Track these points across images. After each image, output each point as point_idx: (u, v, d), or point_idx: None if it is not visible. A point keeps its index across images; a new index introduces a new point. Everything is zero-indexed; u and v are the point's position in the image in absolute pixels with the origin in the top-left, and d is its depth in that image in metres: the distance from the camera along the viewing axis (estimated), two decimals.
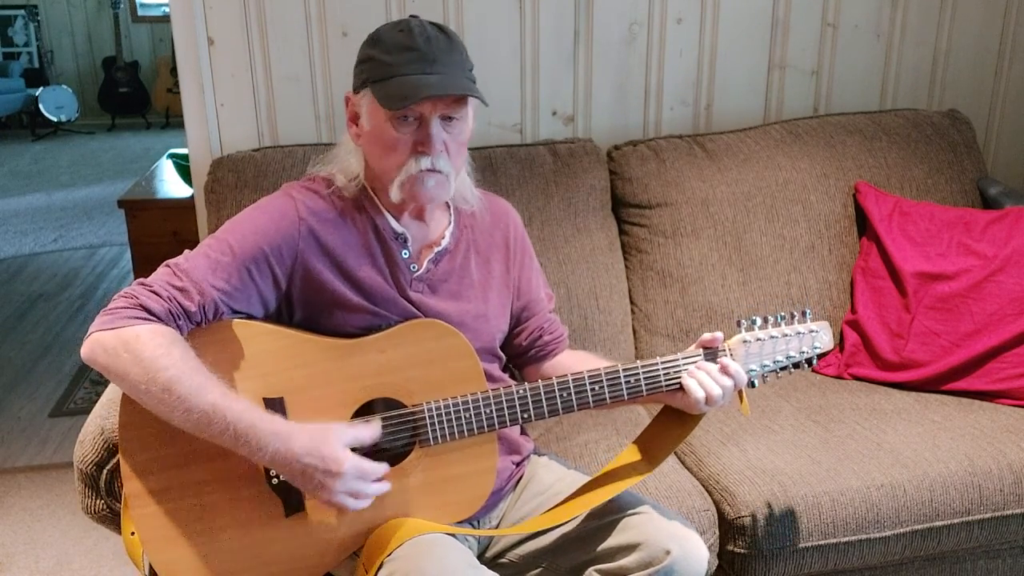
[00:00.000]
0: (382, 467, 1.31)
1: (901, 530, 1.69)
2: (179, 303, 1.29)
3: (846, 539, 1.67)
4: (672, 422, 1.47)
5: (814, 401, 1.99)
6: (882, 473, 1.71)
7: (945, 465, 1.73)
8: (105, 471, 1.52)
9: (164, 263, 1.34)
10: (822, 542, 1.66)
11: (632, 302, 2.18)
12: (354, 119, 1.43)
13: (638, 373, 1.40)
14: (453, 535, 1.40)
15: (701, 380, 1.38)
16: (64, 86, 8.61)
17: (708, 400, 1.38)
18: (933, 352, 2.02)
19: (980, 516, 1.72)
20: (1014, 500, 1.73)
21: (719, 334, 1.42)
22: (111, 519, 1.56)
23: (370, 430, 1.33)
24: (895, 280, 2.10)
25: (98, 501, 1.55)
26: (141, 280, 1.32)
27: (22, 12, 8.73)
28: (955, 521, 1.71)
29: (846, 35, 2.49)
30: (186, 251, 1.37)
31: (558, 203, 2.12)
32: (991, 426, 1.86)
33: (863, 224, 2.21)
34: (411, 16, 1.40)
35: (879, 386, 2.06)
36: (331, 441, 1.27)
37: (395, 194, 1.39)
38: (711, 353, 1.41)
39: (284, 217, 1.39)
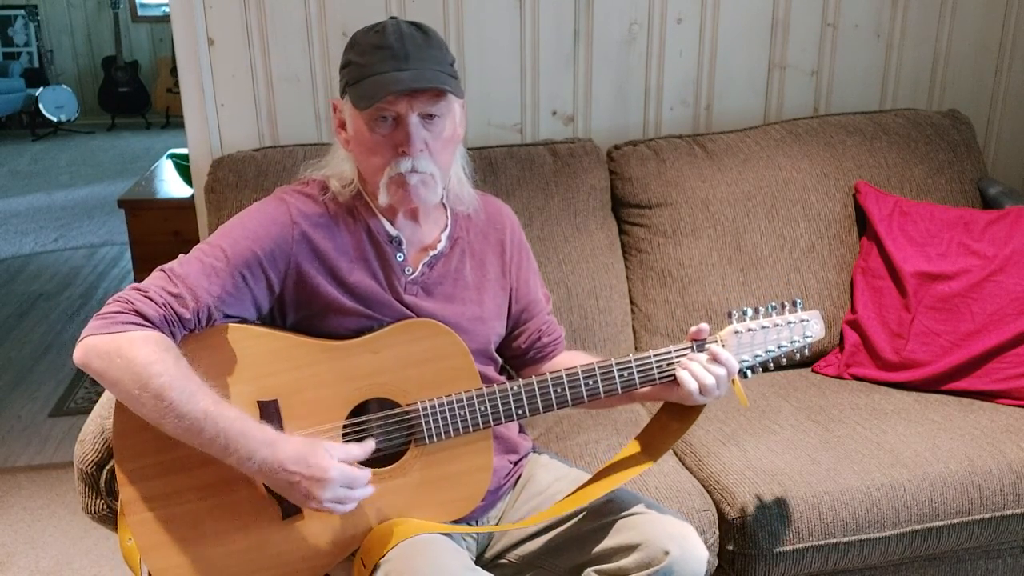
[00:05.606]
0: (367, 474, 1.30)
1: (901, 530, 1.69)
2: (174, 310, 1.28)
3: (846, 539, 1.67)
4: (672, 417, 1.47)
5: (814, 401, 1.99)
6: (882, 473, 1.71)
7: (945, 465, 1.73)
8: (105, 471, 1.52)
9: (159, 268, 1.34)
10: (822, 542, 1.66)
11: (632, 302, 2.18)
12: (342, 125, 1.43)
13: (631, 366, 1.40)
14: (450, 536, 1.40)
15: (693, 370, 1.38)
16: (64, 86, 8.61)
17: (702, 390, 1.38)
18: (933, 352, 2.02)
19: (980, 516, 1.72)
20: (1014, 500, 1.73)
21: (704, 326, 1.42)
22: (111, 519, 1.56)
23: (362, 448, 1.32)
24: (895, 280, 2.10)
25: (98, 501, 1.55)
26: (136, 285, 1.31)
27: (22, 12, 8.73)
28: (955, 521, 1.71)
29: (846, 35, 2.48)
30: (180, 255, 1.36)
31: (558, 203, 2.12)
32: (991, 426, 1.86)
33: (863, 224, 2.21)
34: (390, 17, 1.39)
35: (879, 386, 2.06)
36: (319, 451, 1.26)
37: (383, 197, 1.38)
38: (700, 344, 1.42)
39: (277, 221, 1.38)
